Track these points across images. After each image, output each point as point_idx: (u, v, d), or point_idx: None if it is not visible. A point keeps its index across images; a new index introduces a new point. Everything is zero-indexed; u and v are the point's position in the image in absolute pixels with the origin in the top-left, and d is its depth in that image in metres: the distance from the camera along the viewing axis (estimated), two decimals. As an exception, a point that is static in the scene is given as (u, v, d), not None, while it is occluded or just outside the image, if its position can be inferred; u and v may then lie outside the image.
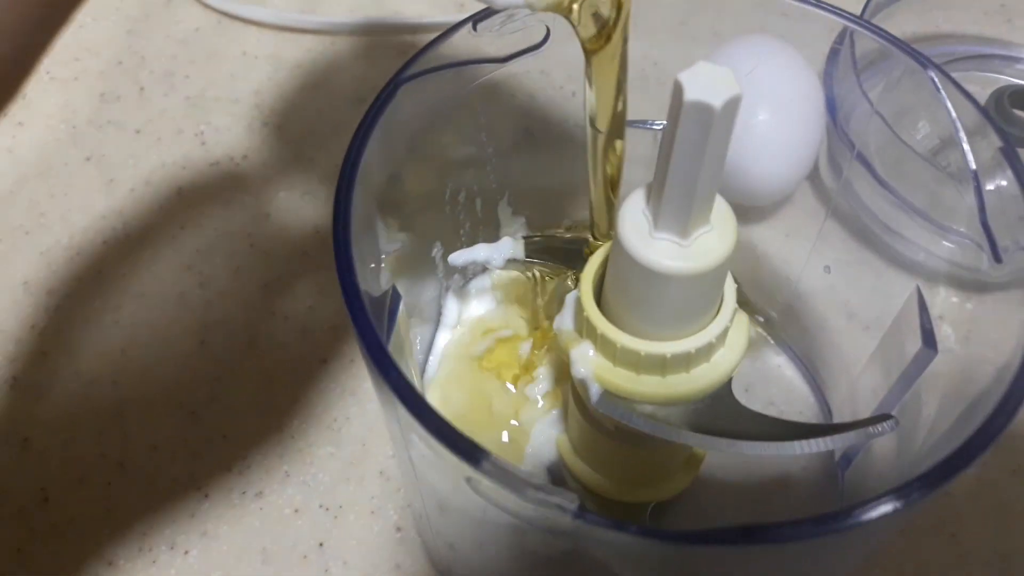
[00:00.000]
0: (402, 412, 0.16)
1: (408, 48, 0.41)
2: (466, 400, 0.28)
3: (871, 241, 0.30)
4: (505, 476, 0.15)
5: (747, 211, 0.32)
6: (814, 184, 0.32)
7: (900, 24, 0.38)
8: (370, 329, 0.17)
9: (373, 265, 0.21)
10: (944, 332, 0.24)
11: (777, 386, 0.30)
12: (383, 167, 0.21)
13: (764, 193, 0.31)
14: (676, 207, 0.18)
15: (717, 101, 0.16)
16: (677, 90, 0.16)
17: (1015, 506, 0.28)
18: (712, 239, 0.19)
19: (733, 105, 0.16)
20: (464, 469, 0.16)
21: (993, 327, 0.22)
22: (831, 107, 0.32)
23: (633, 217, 0.19)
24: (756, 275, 0.31)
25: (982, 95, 0.35)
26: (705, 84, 0.16)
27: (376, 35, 0.41)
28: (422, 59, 0.21)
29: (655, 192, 0.18)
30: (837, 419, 0.29)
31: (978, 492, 0.28)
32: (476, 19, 0.22)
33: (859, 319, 0.30)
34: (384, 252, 0.23)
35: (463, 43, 0.22)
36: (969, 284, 0.25)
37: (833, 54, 0.32)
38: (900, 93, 0.32)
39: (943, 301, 0.25)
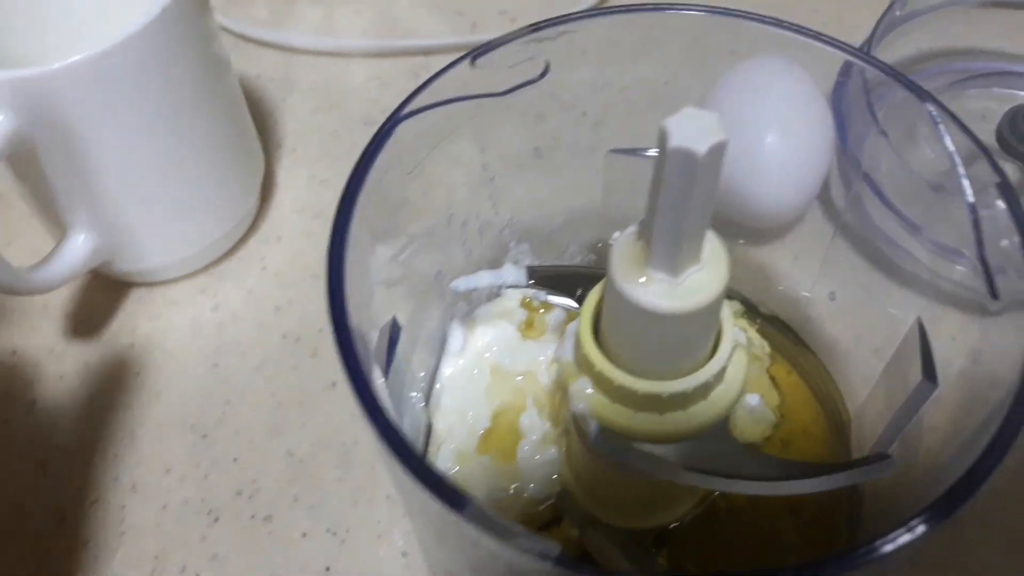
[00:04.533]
0: (389, 458, 0.17)
1: (422, 69, 0.41)
2: (472, 430, 0.28)
3: (880, 263, 0.30)
4: (488, 522, 0.16)
5: (755, 232, 0.32)
6: (824, 206, 0.31)
7: (917, 40, 0.38)
8: (360, 375, 0.17)
9: (372, 297, 0.21)
10: (954, 354, 0.24)
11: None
12: (382, 200, 0.21)
13: (772, 215, 0.31)
14: (665, 247, 0.18)
15: (701, 147, 0.16)
16: (662, 136, 0.16)
17: (1028, 536, 0.28)
18: (703, 278, 0.19)
19: (718, 151, 0.16)
20: (449, 515, 0.16)
21: (1004, 350, 0.22)
22: (841, 128, 0.31)
23: (625, 255, 0.19)
24: (765, 296, 0.31)
25: (999, 112, 0.34)
26: (690, 130, 0.16)
27: (390, 56, 0.42)
28: (420, 96, 0.21)
29: (645, 231, 0.18)
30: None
31: (990, 520, 0.28)
32: (475, 54, 0.22)
33: (867, 342, 0.30)
34: (385, 283, 0.23)
35: (462, 77, 0.22)
36: (980, 307, 0.25)
37: (844, 75, 0.32)
38: (907, 116, 0.31)
39: (953, 323, 0.25)
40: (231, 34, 0.43)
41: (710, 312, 0.19)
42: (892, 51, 0.37)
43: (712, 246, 0.19)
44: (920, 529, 0.16)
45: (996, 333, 0.22)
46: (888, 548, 0.16)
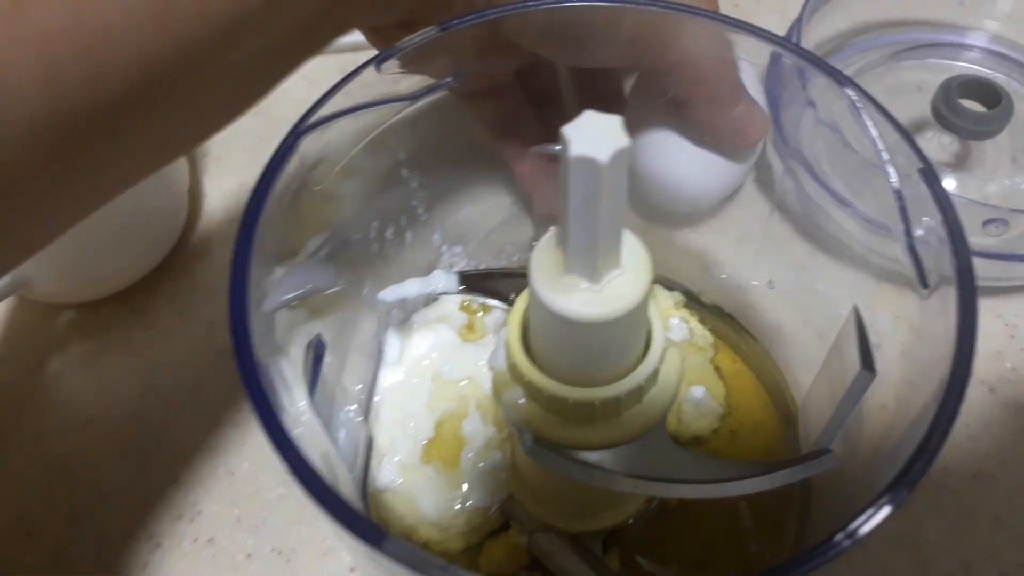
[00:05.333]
0: (304, 494, 0.16)
1: (350, 66, 0.40)
2: (415, 440, 0.27)
3: (819, 243, 0.30)
4: (407, 557, 0.15)
5: (692, 216, 0.31)
6: (761, 187, 0.31)
7: (851, 13, 0.38)
8: (269, 411, 0.16)
9: (274, 323, 0.20)
10: (897, 332, 0.24)
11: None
12: (289, 217, 0.20)
13: (697, 201, 0.30)
14: (581, 253, 0.17)
15: (603, 155, 0.15)
16: (563, 144, 0.15)
17: (977, 512, 0.28)
18: (624, 283, 0.18)
19: (621, 157, 0.15)
20: (368, 551, 0.15)
21: (939, 327, 0.21)
22: (775, 108, 0.31)
23: (544, 262, 0.18)
24: (706, 285, 0.31)
25: (934, 83, 0.34)
26: (591, 137, 0.15)
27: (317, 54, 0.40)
28: (324, 106, 0.21)
29: (561, 237, 0.18)
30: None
31: (938, 499, 0.28)
32: (379, 59, 0.21)
33: (811, 326, 0.29)
34: (293, 305, 0.22)
35: (368, 84, 0.22)
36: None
37: (775, 56, 0.31)
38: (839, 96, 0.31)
39: (894, 300, 0.25)
40: (153, 39, 0.41)
41: (635, 316, 0.19)
42: (826, 26, 0.37)
43: (632, 249, 0.18)
44: (871, 523, 0.16)
45: (931, 311, 0.22)
46: (834, 552, 0.16)
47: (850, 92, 0.20)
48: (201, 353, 0.32)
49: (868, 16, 0.37)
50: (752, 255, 0.30)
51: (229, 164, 0.37)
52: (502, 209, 0.30)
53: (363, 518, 0.15)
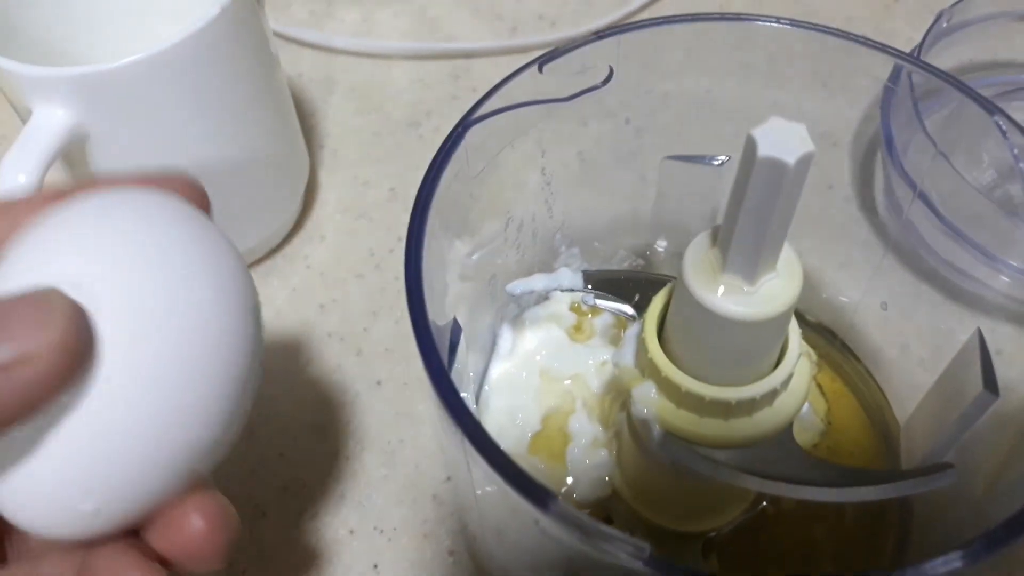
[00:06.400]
0: (474, 457, 0.17)
1: (462, 72, 0.42)
2: (522, 432, 0.28)
3: (929, 275, 0.30)
4: (575, 521, 0.16)
5: (799, 241, 0.32)
6: (869, 217, 0.32)
7: (958, 53, 0.38)
8: (445, 377, 0.17)
9: (439, 297, 0.22)
10: (1005, 368, 0.24)
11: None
12: (453, 201, 0.22)
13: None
14: (745, 254, 0.18)
15: (791, 158, 0.16)
16: (750, 145, 0.16)
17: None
18: (777, 286, 0.19)
19: (806, 161, 0.16)
20: (533, 512, 0.16)
21: None
22: (888, 141, 0.32)
23: (698, 262, 0.19)
24: (810, 303, 0.31)
25: (1040, 126, 0.34)
26: (778, 140, 0.16)
27: (430, 59, 0.42)
28: (489, 101, 0.22)
29: (723, 237, 0.19)
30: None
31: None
32: (542, 61, 0.22)
33: (914, 352, 0.30)
34: (450, 283, 0.23)
35: (529, 83, 0.23)
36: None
37: (893, 82, 0.32)
38: (960, 125, 0.31)
39: (1003, 336, 0.25)
40: (273, 34, 0.43)
41: (783, 320, 0.19)
42: (936, 63, 0.37)
43: (787, 255, 0.19)
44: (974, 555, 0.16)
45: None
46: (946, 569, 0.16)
47: (999, 120, 0.21)
48: (311, 334, 0.33)
49: (977, 56, 0.38)
50: (858, 281, 0.30)
51: (344, 158, 0.38)
52: (611, 215, 0.31)
53: (534, 479, 0.16)
